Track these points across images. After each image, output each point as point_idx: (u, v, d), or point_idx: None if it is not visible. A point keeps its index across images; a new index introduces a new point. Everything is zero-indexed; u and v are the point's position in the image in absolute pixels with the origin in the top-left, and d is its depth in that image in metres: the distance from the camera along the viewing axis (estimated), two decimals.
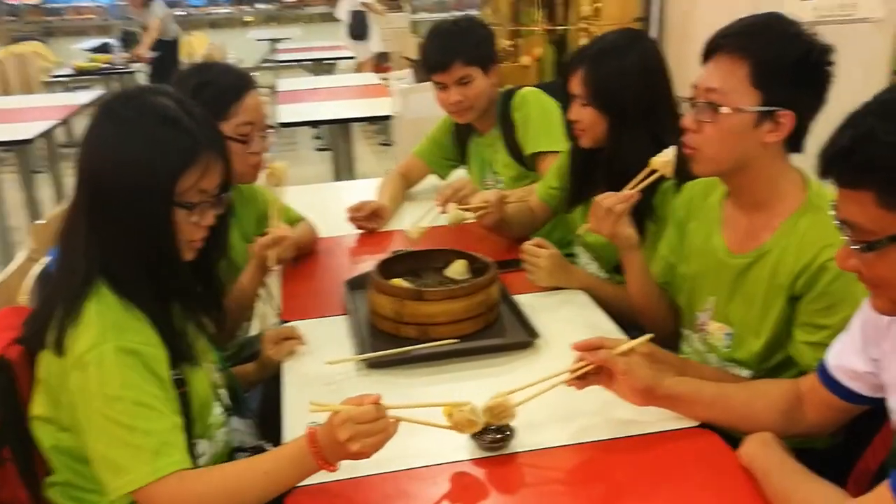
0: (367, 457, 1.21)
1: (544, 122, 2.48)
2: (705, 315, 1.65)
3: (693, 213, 1.72)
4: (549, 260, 1.91)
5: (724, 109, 1.45)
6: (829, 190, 1.51)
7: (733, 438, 1.36)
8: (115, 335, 1.22)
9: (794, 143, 1.50)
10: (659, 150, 1.80)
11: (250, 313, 1.99)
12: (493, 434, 1.34)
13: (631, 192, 1.71)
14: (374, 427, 1.20)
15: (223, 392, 1.55)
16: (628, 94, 1.94)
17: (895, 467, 1.22)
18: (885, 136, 0.99)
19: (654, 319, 1.80)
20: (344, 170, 4.58)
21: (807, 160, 1.56)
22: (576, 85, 2.00)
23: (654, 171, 1.68)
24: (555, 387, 1.40)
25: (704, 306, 1.64)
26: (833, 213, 1.10)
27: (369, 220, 2.48)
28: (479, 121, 2.65)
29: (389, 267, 1.87)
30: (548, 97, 2.53)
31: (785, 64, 1.43)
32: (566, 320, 1.82)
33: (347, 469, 1.27)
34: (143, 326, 1.27)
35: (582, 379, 1.41)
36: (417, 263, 1.94)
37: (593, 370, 1.40)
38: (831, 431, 1.38)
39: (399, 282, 1.79)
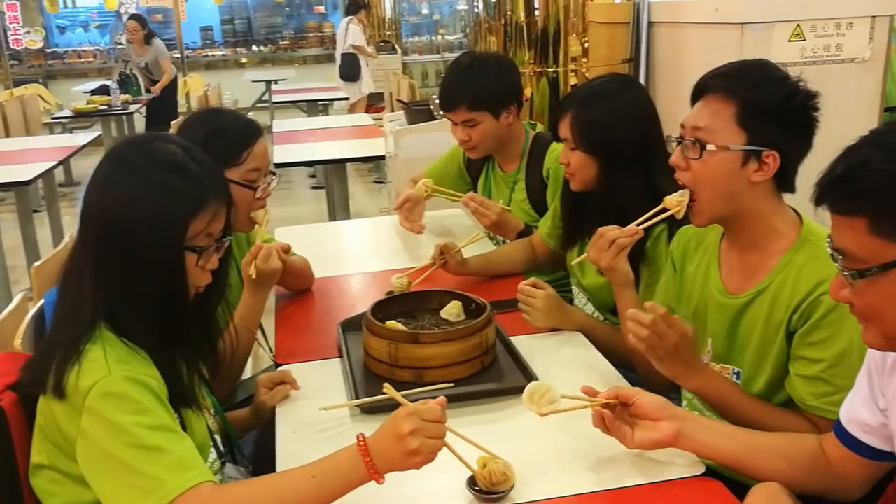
0: (421, 462, 1.19)
1: None
2: (706, 358, 1.63)
3: (690, 256, 1.72)
4: (545, 301, 1.90)
5: (710, 147, 1.48)
6: (823, 227, 1.53)
7: (736, 483, 1.33)
8: (120, 368, 1.22)
9: (784, 182, 1.51)
10: (651, 193, 1.82)
11: (248, 353, 1.96)
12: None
13: (636, 227, 1.70)
14: (437, 428, 1.20)
15: (217, 438, 1.52)
16: (617, 137, 1.96)
17: None
18: (879, 164, 1.01)
19: (647, 365, 1.77)
20: (339, 208, 4.59)
21: (800, 199, 1.58)
22: (564, 129, 2.02)
23: (664, 210, 1.67)
24: (576, 409, 1.40)
25: (705, 349, 1.63)
26: (828, 242, 1.10)
27: (410, 213, 2.62)
28: (501, 157, 2.68)
29: (384, 308, 1.85)
30: None
31: (770, 105, 1.45)
32: (564, 363, 1.80)
33: None
34: (147, 365, 1.27)
35: (606, 416, 1.39)
36: (412, 305, 1.92)
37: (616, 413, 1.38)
38: (863, 490, 1.33)
39: (393, 324, 1.77)
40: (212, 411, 1.54)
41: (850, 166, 1.04)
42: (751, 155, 1.47)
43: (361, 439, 1.20)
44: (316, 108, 7.97)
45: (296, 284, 2.23)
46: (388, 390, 1.29)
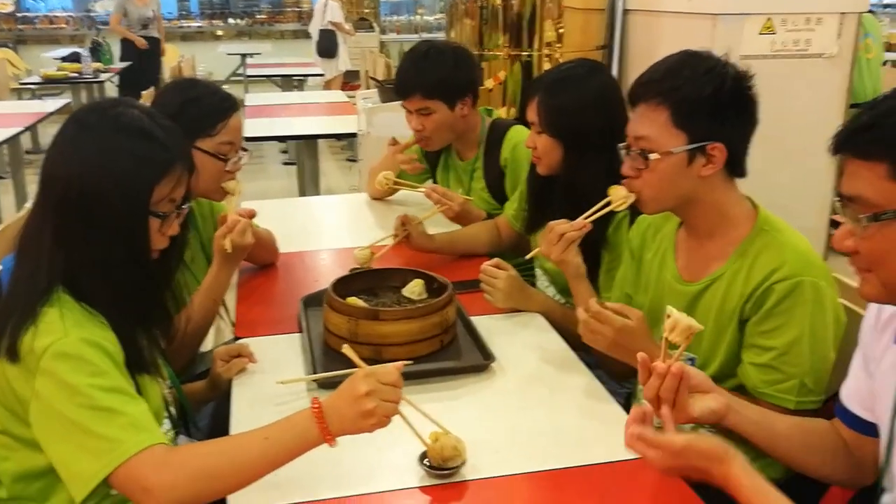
0: (374, 426, 1.19)
1: None
2: (661, 344, 1.65)
3: (648, 244, 1.74)
4: (507, 281, 1.91)
5: (654, 155, 1.49)
6: (779, 217, 1.54)
7: None
8: (77, 330, 1.22)
9: (735, 168, 1.53)
10: (615, 179, 1.79)
11: (209, 325, 1.95)
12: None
13: (584, 221, 1.72)
14: (393, 392, 1.21)
15: (172, 409, 1.52)
16: (582, 123, 1.97)
17: (885, 487, 1.23)
18: None
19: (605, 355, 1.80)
20: (310, 184, 4.56)
21: (754, 188, 1.60)
22: (532, 112, 2.03)
23: (609, 203, 1.69)
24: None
25: (659, 336, 1.64)
26: (837, 194, 1.12)
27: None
28: (459, 145, 2.67)
29: (346, 285, 1.85)
30: None
31: (701, 102, 1.46)
32: (523, 344, 1.81)
33: (290, 492, 1.25)
34: (104, 329, 1.26)
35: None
36: (374, 282, 1.92)
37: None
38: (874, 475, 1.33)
39: (354, 300, 1.77)
40: (167, 382, 1.53)
41: (874, 115, 1.06)
42: (696, 152, 1.48)
43: (316, 403, 1.20)
44: (291, 83, 7.91)
45: (260, 257, 2.22)
46: (348, 351, 1.29)
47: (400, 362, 1.26)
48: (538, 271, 2.29)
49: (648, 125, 1.50)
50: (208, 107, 1.89)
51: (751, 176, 1.58)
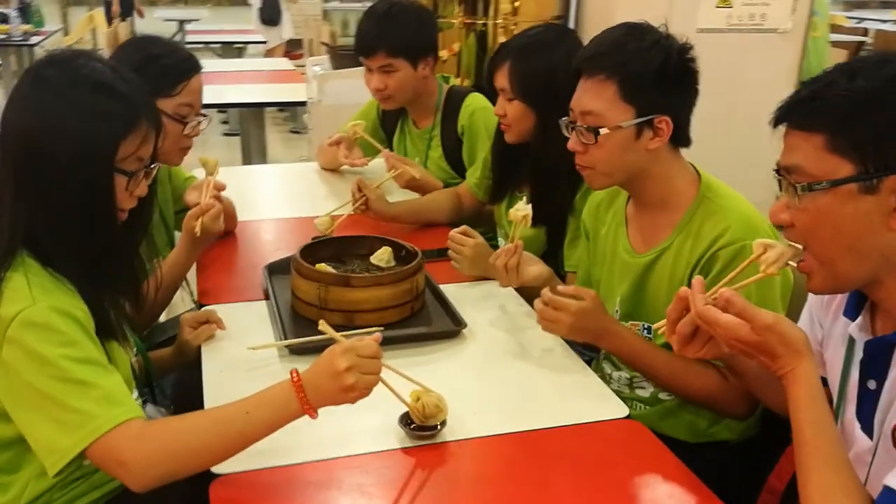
0: (356, 397, 1.18)
1: None
2: (615, 316, 1.67)
3: (601, 219, 1.76)
4: (474, 249, 1.91)
5: (604, 131, 1.50)
6: (722, 182, 1.57)
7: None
8: (45, 297, 1.17)
9: (679, 138, 1.55)
10: None
11: (171, 297, 1.90)
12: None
13: (515, 244, 1.70)
14: (373, 364, 1.19)
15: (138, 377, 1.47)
16: (556, 87, 1.95)
17: None
18: (843, 86, 1.05)
19: None
20: (256, 155, 4.47)
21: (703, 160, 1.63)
22: (501, 79, 2.01)
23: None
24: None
25: (614, 307, 1.67)
26: (776, 164, 1.13)
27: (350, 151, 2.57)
28: (416, 112, 2.64)
29: (312, 252, 1.82)
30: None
31: (648, 76, 1.47)
32: (491, 311, 1.82)
33: (273, 457, 1.24)
34: (72, 296, 1.22)
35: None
36: (342, 249, 1.90)
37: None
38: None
39: (324, 267, 1.75)
40: (134, 350, 1.49)
41: (815, 88, 1.08)
42: (643, 125, 1.50)
43: (295, 375, 1.18)
44: (232, 50, 7.71)
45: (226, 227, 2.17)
46: (324, 327, 1.27)
47: (377, 333, 1.24)
48: (501, 241, 2.30)
49: (596, 100, 1.50)
50: (169, 66, 1.83)
51: (702, 149, 1.60)
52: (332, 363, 1.17)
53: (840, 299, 1.26)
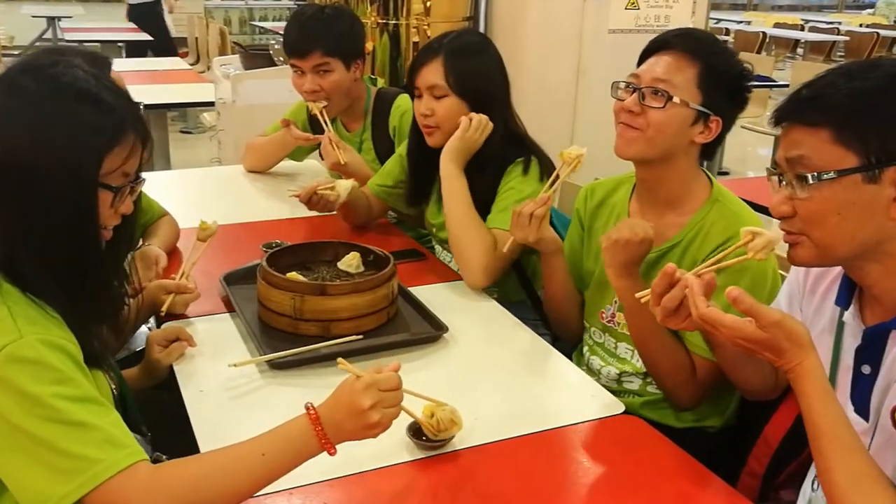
0: (380, 432, 1.12)
1: None
2: (612, 307, 1.70)
3: (598, 213, 1.78)
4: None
5: (676, 99, 1.54)
6: (728, 190, 1.63)
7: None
8: (32, 329, 1.05)
9: (709, 150, 1.62)
10: (513, 142, 1.98)
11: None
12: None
13: (547, 194, 1.71)
14: (396, 396, 1.13)
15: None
16: (491, 86, 2.02)
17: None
18: (843, 87, 1.12)
19: (568, 320, 1.84)
20: (159, 158, 4.27)
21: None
22: (432, 76, 2.00)
23: (558, 176, 1.71)
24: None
25: (612, 300, 1.70)
26: (773, 164, 1.19)
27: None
28: (345, 115, 2.59)
29: (276, 260, 1.75)
30: None
31: (728, 75, 1.56)
32: (464, 310, 1.80)
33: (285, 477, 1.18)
34: (59, 326, 1.10)
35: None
36: (306, 256, 1.84)
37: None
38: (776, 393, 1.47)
39: (295, 276, 1.69)
40: (112, 375, 1.37)
41: (815, 89, 1.15)
42: (701, 116, 1.55)
43: (311, 409, 1.11)
44: (114, 49, 7.32)
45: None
46: (343, 365, 1.17)
47: (396, 363, 1.18)
48: (436, 245, 2.28)
49: (674, 72, 1.54)
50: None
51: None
52: (354, 401, 1.10)
53: (826, 286, 1.32)
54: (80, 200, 1.12)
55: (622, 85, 1.61)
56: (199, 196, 2.71)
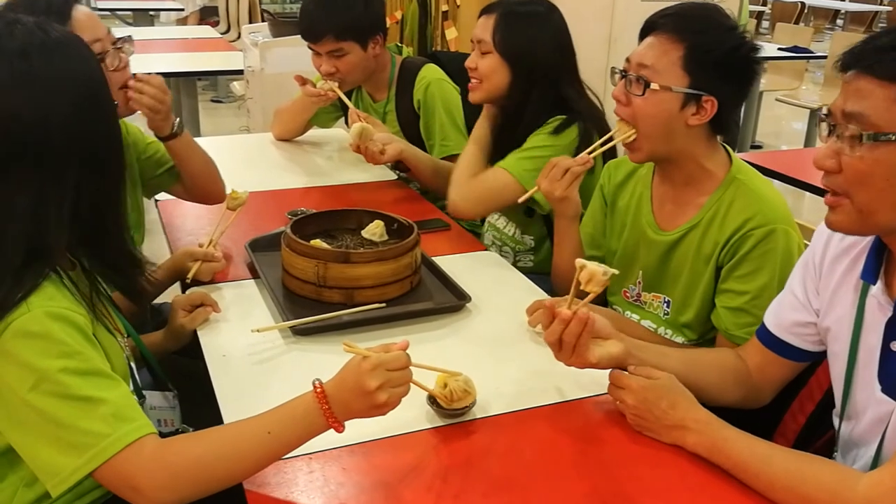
0: (388, 410, 1.11)
1: (451, 122, 2.43)
2: (637, 287, 1.68)
3: (621, 190, 1.74)
4: None
5: (654, 86, 1.49)
6: (749, 167, 1.59)
7: None
8: (38, 301, 1.05)
9: (718, 126, 1.56)
10: (560, 109, 1.93)
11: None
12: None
13: (588, 156, 1.69)
14: (403, 376, 1.11)
15: (132, 364, 1.37)
16: (539, 56, 1.97)
17: (833, 414, 1.31)
18: None
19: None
20: (189, 127, 4.24)
21: None
22: (483, 31, 1.99)
23: (611, 139, 1.67)
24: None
25: (636, 279, 1.67)
26: (832, 106, 1.11)
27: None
28: (371, 86, 2.57)
29: (301, 228, 1.75)
30: (450, 86, 2.47)
31: (716, 53, 1.48)
32: (486, 280, 1.79)
33: (306, 445, 1.18)
34: (59, 289, 1.10)
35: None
36: (330, 224, 1.84)
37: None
38: (772, 396, 1.44)
39: (318, 243, 1.69)
40: (124, 334, 1.38)
41: None
42: (690, 98, 1.49)
43: (318, 386, 1.10)
44: (145, 17, 7.35)
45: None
46: (349, 348, 1.14)
47: (405, 341, 1.16)
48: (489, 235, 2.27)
49: (658, 56, 1.50)
50: (43, 8, 1.53)
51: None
52: (361, 382, 1.08)
53: (847, 266, 1.27)
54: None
55: (617, 71, 1.58)
56: (224, 164, 2.68)
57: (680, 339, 1.63)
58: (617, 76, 1.57)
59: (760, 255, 1.48)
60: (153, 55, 4.47)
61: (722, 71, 1.49)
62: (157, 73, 1.80)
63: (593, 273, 1.24)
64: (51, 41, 1.10)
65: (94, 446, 1.03)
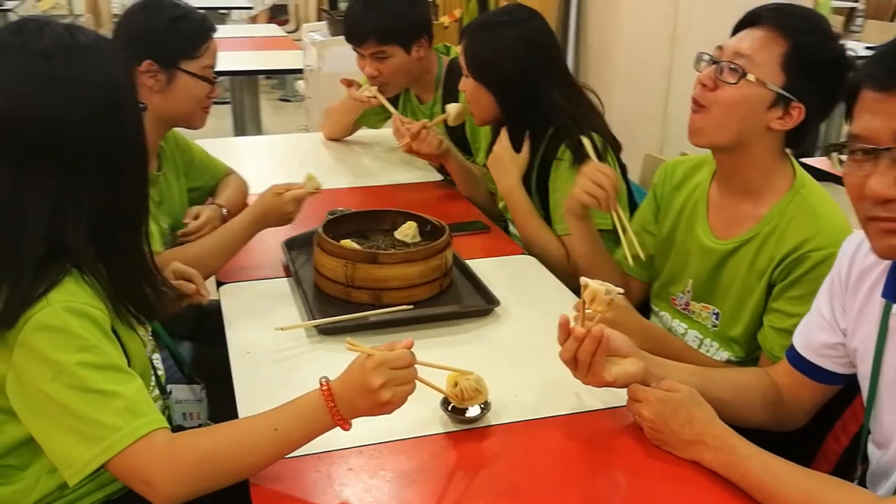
0: (393, 409, 1.11)
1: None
2: (686, 296, 1.63)
3: (676, 193, 1.68)
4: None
5: (750, 77, 1.41)
6: (815, 182, 1.51)
7: None
8: (58, 297, 1.08)
9: (794, 139, 1.48)
10: (552, 122, 1.92)
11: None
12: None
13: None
14: (408, 374, 1.12)
15: (157, 358, 1.40)
16: (505, 69, 1.94)
17: (868, 440, 1.25)
18: None
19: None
20: (250, 125, 4.36)
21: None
22: (461, 55, 2.03)
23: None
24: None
25: (685, 288, 1.62)
26: (877, 126, 1.02)
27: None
28: (418, 87, 2.57)
29: (334, 227, 1.77)
30: None
31: (818, 59, 1.41)
32: (520, 286, 1.77)
33: (313, 444, 1.19)
34: (79, 285, 1.13)
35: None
36: (363, 224, 1.85)
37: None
38: (805, 419, 1.37)
39: (349, 243, 1.70)
40: (148, 327, 1.39)
41: None
42: (780, 100, 1.42)
43: (325, 384, 1.11)
44: (216, 16, 7.51)
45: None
46: (352, 345, 1.16)
47: (409, 339, 1.16)
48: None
49: (758, 49, 1.42)
50: (190, 29, 1.80)
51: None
52: (365, 380, 1.09)
53: (872, 282, 1.20)
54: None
55: (705, 57, 1.50)
56: (277, 162, 2.76)
57: (726, 355, 1.57)
58: (704, 62, 1.49)
59: (815, 279, 1.38)
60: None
61: (818, 79, 1.41)
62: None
63: (596, 292, 1.22)
64: (76, 44, 1.13)
65: (106, 438, 1.06)
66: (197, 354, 1.82)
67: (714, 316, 1.58)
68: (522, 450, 1.25)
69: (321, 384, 1.11)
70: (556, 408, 1.34)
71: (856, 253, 1.23)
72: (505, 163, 1.99)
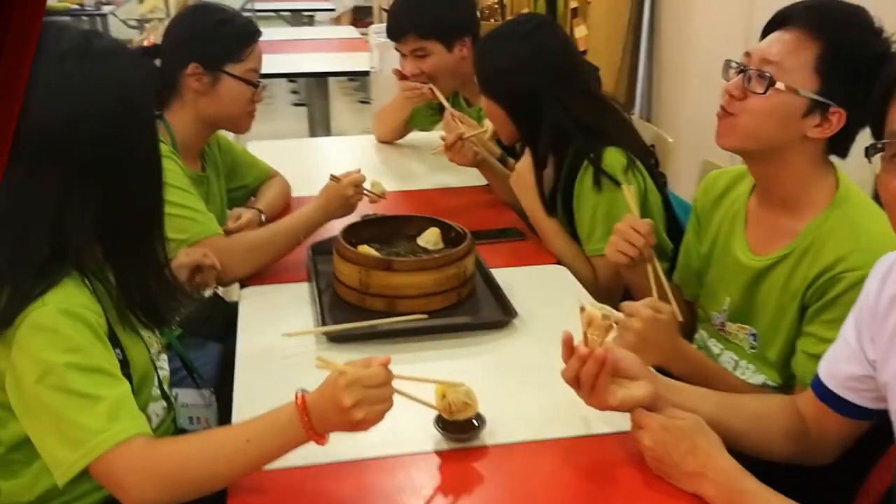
0: (368, 427, 1.08)
1: None
2: (722, 316, 1.53)
3: (716, 206, 1.58)
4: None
5: (780, 85, 1.30)
6: (861, 194, 1.39)
7: None
8: (54, 298, 1.10)
9: (837, 146, 1.36)
10: (574, 136, 1.81)
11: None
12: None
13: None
14: (383, 393, 1.07)
15: (163, 358, 1.39)
16: (511, 83, 1.86)
17: None
18: None
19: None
20: (320, 126, 4.41)
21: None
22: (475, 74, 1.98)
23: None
24: None
25: (721, 307, 1.52)
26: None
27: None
28: (466, 90, 2.52)
29: (357, 232, 1.74)
30: None
31: (857, 58, 1.28)
32: (545, 299, 1.70)
33: (300, 456, 1.16)
34: (79, 287, 1.14)
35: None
36: (388, 230, 1.81)
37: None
38: (835, 454, 1.25)
39: (366, 248, 1.66)
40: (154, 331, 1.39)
41: None
42: (816, 106, 1.30)
43: (300, 397, 1.07)
44: (300, 18, 7.67)
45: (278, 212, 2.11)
46: (322, 363, 1.11)
47: (385, 356, 1.11)
48: None
49: (787, 53, 1.31)
50: (235, 32, 1.84)
51: None
52: (336, 398, 1.05)
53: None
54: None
55: (733, 65, 1.38)
56: (327, 165, 2.74)
57: (762, 378, 1.46)
58: (733, 70, 1.38)
59: (851, 302, 1.23)
60: (293, 55, 4.63)
61: (859, 80, 1.25)
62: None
63: (592, 317, 1.15)
64: (92, 49, 1.15)
65: (87, 442, 1.06)
66: (223, 356, 1.82)
67: (751, 337, 1.47)
68: (517, 472, 1.19)
69: (296, 397, 1.08)
70: (561, 430, 1.27)
71: (887, 276, 1.11)
72: (526, 181, 1.91)
